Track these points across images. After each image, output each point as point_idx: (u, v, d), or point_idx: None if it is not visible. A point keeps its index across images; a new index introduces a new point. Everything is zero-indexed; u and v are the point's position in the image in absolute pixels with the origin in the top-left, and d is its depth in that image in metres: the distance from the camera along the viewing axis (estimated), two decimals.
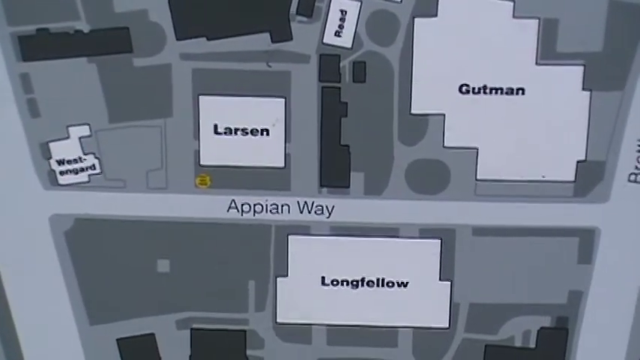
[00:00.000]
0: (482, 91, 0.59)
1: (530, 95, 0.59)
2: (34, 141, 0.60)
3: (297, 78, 0.59)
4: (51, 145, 0.60)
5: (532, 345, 0.63)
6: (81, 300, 0.63)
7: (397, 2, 0.57)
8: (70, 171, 0.60)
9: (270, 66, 0.58)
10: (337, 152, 0.60)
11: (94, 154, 0.60)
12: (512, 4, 0.57)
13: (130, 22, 0.58)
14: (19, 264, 0.62)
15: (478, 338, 0.63)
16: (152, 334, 0.63)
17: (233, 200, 0.61)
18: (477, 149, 0.60)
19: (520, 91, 0.59)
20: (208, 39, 0.58)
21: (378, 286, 0.62)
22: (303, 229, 0.61)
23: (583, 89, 0.58)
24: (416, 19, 0.58)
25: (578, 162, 0.60)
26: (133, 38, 0.58)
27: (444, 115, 0.59)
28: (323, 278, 0.62)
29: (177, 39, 0.58)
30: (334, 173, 0.60)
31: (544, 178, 0.60)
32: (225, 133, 0.60)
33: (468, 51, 0.58)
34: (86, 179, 0.61)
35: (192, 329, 0.63)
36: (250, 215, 0.61)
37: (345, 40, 0.58)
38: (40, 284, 0.62)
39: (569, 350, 0.63)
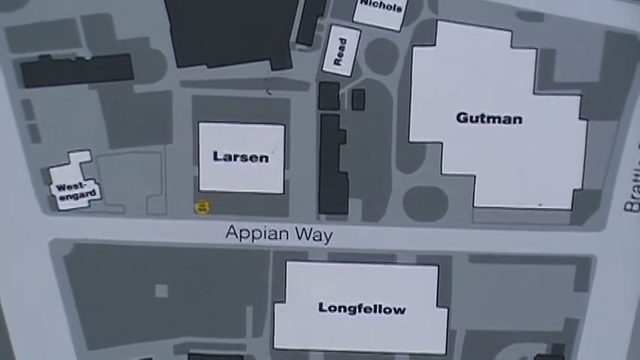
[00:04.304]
0: (479, 119, 0.59)
1: (528, 124, 0.59)
2: (35, 166, 0.60)
3: (297, 105, 0.59)
4: (51, 170, 0.60)
5: None
6: (79, 324, 0.63)
7: (396, 31, 0.58)
8: (70, 196, 0.61)
9: (269, 93, 0.59)
10: (336, 179, 0.60)
11: (94, 179, 0.60)
12: (510, 34, 0.58)
13: (132, 50, 0.58)
14: (18, 288, 0.62)
15: None
16: (150, 359, 0.63)
17: (232, 226, 0.61)
18: (475, 177, 0.60)
19: (517, 120, 0.59)
20: (209, 66, 0.58)
21: (375, 312, 0.62)
22: (302, 255, 0.62)
23: (580, 118, 0.59)
24: (415, 48, 0.58)
25: (574, 190, 0.60)
26: (134, 65, 0.58)
27: (442, 143, 0.59)
28: (321, 304, 0.62)
29: (178, 66, 0.58)
30: (332, 200, 0.61)
31: (541, 206, 0.60)
32: (224, 159, 0.60)
33: (466, 80, 0.58)
34: (86, 204, 0.61)
35: (189, 354, 0.63)
36: (249, 241, 0.61)
37: (345, 69, 0.59)
38: (39, 309, 0.62)
39: None
